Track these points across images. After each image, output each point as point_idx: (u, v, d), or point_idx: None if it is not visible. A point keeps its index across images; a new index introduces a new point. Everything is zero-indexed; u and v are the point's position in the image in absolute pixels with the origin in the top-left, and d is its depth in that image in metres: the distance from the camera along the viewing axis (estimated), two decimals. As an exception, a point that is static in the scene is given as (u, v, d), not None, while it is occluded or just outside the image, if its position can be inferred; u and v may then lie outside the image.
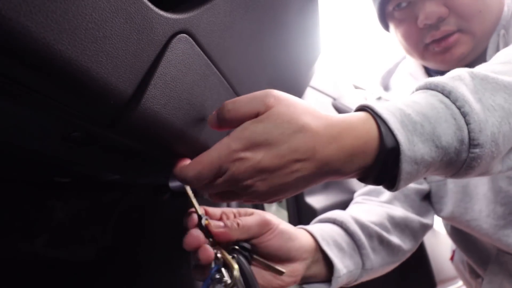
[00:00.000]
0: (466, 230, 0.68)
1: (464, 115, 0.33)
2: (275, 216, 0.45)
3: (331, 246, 0.50)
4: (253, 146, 0.30)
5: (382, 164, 0.33)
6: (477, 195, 0.63)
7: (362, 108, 0.36)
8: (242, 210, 0.45)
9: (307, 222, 0.99)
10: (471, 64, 0.65)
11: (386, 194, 0.67)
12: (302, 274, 0.46)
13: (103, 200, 0.76)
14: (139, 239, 0.71)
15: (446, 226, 0.83)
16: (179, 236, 0.63)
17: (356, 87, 1.41)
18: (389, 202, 0.66)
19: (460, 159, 0.33)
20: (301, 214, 0.92)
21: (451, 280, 1.22)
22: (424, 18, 0.61)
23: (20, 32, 0.19)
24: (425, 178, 0.73)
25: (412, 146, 0.31)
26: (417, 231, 0.65)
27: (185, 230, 0.40)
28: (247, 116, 0.32)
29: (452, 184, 0.67)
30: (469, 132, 0.32)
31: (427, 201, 0.72)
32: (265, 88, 0.51)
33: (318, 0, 0.55)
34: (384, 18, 0.72)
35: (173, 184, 0.59)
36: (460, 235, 0.76)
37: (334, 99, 1.16)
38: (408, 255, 0.64)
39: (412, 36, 0.66)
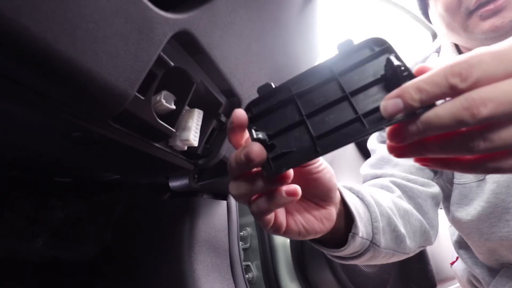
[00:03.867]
0: (492, 237, 0.63)
1: None
2: None
3: (352, 205, 0.46)
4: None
5: None
6: None
7: None
8: None
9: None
10: None
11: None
12: (333, 223, 0.41)
13: (103, 200, 0.77)
14: (139, 238, 0.71)
15: (452, 235, 0.82)
16: (179, 235, 0.63)
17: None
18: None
19: None
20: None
21: (450, 280, 1.22)
22: None
23: (20, 32, 0.19)
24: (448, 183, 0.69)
25: None
26: (418, 231, 0.62)
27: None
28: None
29: (495, 185, 0.60)
30: None
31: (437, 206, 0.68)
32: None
33: (318, 0, 0.55)
34: None
35: (173, 184, 0.59)
36: (468, 247, 0.74)
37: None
38: (407, 253, 0.61)
39: (454, 3, 0.61)
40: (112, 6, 0.23)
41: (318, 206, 0.40)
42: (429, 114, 0.22)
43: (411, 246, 0.61)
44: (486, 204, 0.61)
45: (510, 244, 0.62)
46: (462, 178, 0.66)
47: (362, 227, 0.47)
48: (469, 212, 0.65)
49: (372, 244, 0.51)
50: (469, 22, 0.61)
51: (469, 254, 0.74)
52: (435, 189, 0.66)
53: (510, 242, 0.61)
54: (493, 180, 0.61)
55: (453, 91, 0.20)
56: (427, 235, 0.63)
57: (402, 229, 0.58)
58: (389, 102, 0.22)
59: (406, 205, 0.62)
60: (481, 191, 0.63)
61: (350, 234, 0.45)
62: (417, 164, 0.66)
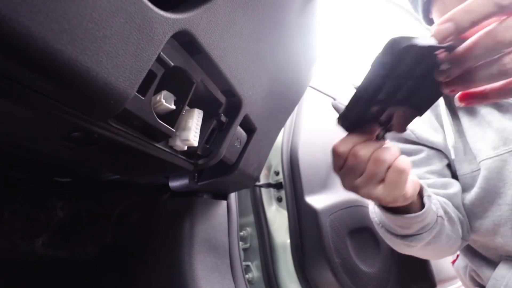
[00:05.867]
0: (486, 222, 0.67)
1: None
2: None
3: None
4: None
5: None
6: None
7: None
8: None
9: (307, 222, 0.99)
10: None
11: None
12: (419, 186, 0.50)
13: (103, 200, 0.77)
14: (139, 238, 0.71)
15: None
16: (179, 235, 0.63)
17: (356, 87, 1.41)
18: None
19: None
20: (301, 214, 0.92)
21: (451, 280, 1.22)
22: None
23: (20, 32, 0.19)
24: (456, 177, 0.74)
25: None
26: (458, 219, 0.67)
27: None
28: None
29: (486, 171, 0.65)
30: None
31: None
32: (265, 88, 0.51)
33: (318, 0, 0.55)
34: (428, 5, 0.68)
35: (173, 184, 0.59)
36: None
37: (334, 99, 1.16)
38: (461, 237, 0.66)
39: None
40: (112, 6, 0.23)
41: None
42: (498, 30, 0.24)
43: (460, 232, 0.65)
44: (479, 190, 0.66)
45: (504, 230, 0.64)
46: (461, 170, 0.71)
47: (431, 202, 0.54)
48: (465, 196, 0.69)
49: (438, 218, 0.57)
50: None
51: (468, 246, 0.76)
52: (455, 188, 0.70)
53: (503, 227, 0.64)
54: (484, 167, 0.65)
55: (499, 9, 0.23)
56: (462, 224, 0.67)
57: (452, 213, 0.63)
58: (441, 27, 0.24)
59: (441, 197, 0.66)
60: (476, 178, 0.67)
61: (426, 196, 0.52)
62: (429, 168, 0.72)
